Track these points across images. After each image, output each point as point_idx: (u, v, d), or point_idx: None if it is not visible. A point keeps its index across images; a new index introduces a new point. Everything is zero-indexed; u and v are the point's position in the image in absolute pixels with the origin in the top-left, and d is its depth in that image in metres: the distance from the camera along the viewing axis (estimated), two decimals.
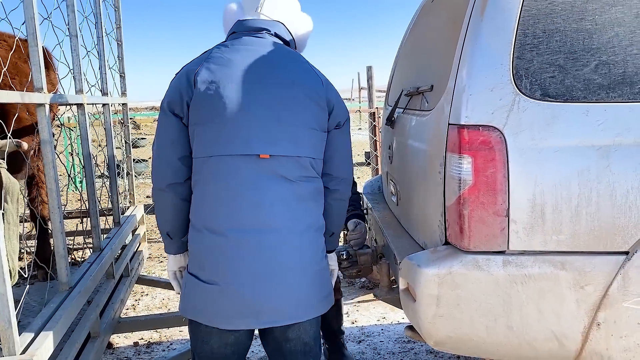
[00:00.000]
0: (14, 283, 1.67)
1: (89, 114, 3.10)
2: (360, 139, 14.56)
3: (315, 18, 2.06)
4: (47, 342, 1.71)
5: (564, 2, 1.71)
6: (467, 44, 1.75)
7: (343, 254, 2.59)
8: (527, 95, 1.68)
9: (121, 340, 3.56)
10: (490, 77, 1.69)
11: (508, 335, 1.74)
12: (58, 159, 2.45)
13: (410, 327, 2.00)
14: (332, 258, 2.02)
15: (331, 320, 3.05)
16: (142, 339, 3.58)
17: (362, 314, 3.87)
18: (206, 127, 1.67)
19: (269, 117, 1.68)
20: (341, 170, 1.87)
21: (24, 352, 1.61)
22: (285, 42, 1.84)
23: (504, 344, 1.75)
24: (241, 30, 1.79)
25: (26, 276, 2.24)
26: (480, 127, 1.68)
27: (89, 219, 2.85)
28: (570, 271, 1.67)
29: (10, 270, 1.61)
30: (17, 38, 2.62)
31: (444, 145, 1.79)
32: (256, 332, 1.87)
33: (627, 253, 1.66)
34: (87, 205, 2.86)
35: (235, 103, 1.66)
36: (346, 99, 18.59)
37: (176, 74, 1.74)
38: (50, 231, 3.16)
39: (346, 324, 3.74)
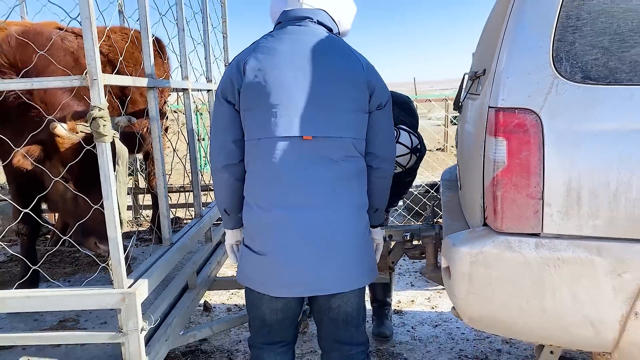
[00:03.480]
0: (124, 231, 1.98)
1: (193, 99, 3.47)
2: None
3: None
4: (148, 281, 2.04)
5: None
6: (509, 27, 1.77)
7: (407, 235, 2.68)
8: (566, 78, 1.67)
9: (217, 303, 3.95)
10: (528, 60, 1.70)
11: (541, 317, 1.74)
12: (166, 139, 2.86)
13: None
14: (377, 233, 2.12)
15: (377, 291, 3.34)
16: (237, 305, 3.94)
17: (444, 300, 3.89)
18: (254, 112, 1.84)
19: (311, 101, 1.81)
20: (383, 149, 1.96)
21: (130, 287, 1.94)
22: (328, 28, 1.95)
23: (537, 326, 1.76)
24: (286, 20, 1.93)
25: (133, 233, 2.61)
26: (516, 110, 1.70)
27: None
28: (606, 257, 1.64)
29: (120, 220, 1.91)
30: (132, 31, 3.00)
31: (484, 128, 1.82)
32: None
33: None
34: (190, 178, 3.23)
35: (280, 89, 1.80)
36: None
37: (229, 64, 1.95)
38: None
39: (426, 308, 3.80)
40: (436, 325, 3.52)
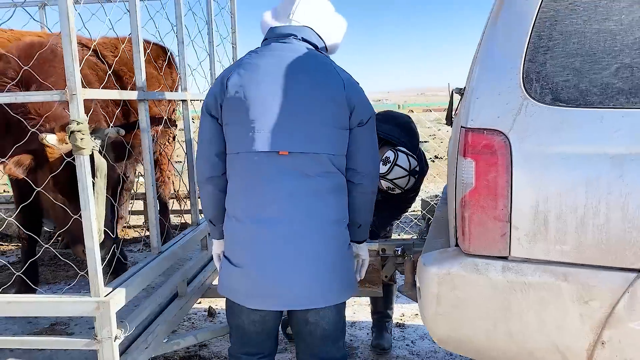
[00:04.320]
0: (101, 241, 2.03)
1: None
2: None
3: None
4: (125, 291, 2.07)
5: (587, 2, 1.63)
6: (482, 46, 1.75)
7: (398, 250, 2.67)
8: (536, 100, 1.64)
9: (222, 308, 3.99)
10: (497, 81, 1.68)
11: (508, 342, 1.71)
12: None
13: None
14: (362, 248, 2.12)
15: (378, 302, 3.29)
16: None
17: None
18: (234, 126, 1.88)
19: (288, 116, 1.83)
20: (365, 165, 1.97)
21: (106, 295, 1.98)
22: (313, 45, 1.96)
23: (504, 350, 1.73)
24: (271, 36, 1.96)
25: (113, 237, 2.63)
26: (484, 131, 1.68)
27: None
28: (573, 284, 1.61)
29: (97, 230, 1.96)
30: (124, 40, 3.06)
31: (457, 147, 1.81)
32: None
33: (638, 270, 1.54)
34: (187, 186, 3.29)
35: (258, 105, 1.84)
36: None
37: (215, 80, 1.99)
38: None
39: None
40: None
